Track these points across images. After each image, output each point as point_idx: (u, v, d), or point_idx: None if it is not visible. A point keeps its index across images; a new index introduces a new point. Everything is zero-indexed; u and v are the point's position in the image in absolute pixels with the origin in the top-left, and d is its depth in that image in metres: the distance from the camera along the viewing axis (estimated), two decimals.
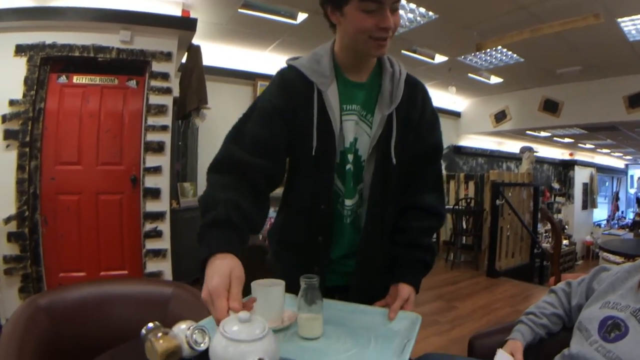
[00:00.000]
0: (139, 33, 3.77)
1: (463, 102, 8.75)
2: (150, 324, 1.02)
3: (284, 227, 1.35)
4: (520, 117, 7.89)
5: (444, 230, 7.81)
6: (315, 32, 4.76)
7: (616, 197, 15.96)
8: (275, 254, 1.40)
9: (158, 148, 3.76)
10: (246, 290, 1.28)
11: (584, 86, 6.75)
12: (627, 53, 5.27)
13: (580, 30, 4.22)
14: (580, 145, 12.02)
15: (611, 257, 5.83)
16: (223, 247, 0.92)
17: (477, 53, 5.57)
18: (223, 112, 5.18)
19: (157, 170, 3.76)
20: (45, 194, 3.62)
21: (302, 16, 4.52)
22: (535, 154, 8.25)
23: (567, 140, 10.92)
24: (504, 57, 5.85)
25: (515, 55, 5.70)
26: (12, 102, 3.44)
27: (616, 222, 14.22)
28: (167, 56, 3.84)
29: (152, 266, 3.77)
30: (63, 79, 3.70)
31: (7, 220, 3.40)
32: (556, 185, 11.85)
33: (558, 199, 11.40)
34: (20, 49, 3.48)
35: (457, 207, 6.94)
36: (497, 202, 6.15)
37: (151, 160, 3.76)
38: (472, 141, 9.36)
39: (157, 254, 3.78)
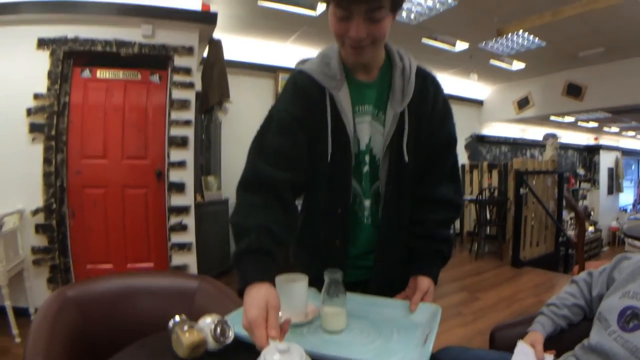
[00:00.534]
0: (160, 27, 3.80)
1: (485, 90, 8.62)
2: (177, 317, 1.07)
3: (302, 229, 1.35)
4: (543, 102, 7.73)
5: (467, 220, 7.76)
6: None
7: None
8: (294, 255, 1.41)
9: (182, 143, 3.80)
10: None
11: (608, 68, 6.58)
12: None
13: (601, 11, 4.12)
14: (605, 129, 11.74)
15: (637, 242, 5.73)
16: (258, 277, 0.97)
17: (498, 38, 5.48)
18: (245, 105, 5.24)
19: (181, 164, 3.81)
20: (72, 187, 3.70)
21: (321, 7, 4.51)
22: (559, 140, 8.11)
23: (591, 124, 10.68)
24: (526, 42, 5.73)
25: (536, 39, 5.59)
26: (36, 96, 3.50)
27: None
28: (189, 50, 3.86)
29: (177, 259, 3.83)
30: (87, 73, 3.75)
31: (35, 213, 3.50)
32: (581, 171, 11.63)
33: (583, 185, 11.20)
34: (42, 43, 3.53)
35: (480, 197, 6.86)
36: (521, 191, 6.07)
37: (175, 155, 3.80)
38: (495, 129, 9.22)
39: (183, 247, 3.83)
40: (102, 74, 3.80)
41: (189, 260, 3.87)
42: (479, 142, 8.84)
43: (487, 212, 6.97)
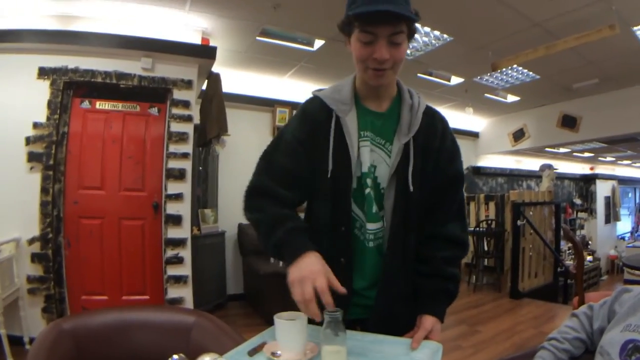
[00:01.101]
0: (160, 60, 3.86)
1: (481, 122, 8.72)
2: (175, 356, 1.04)
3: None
4: (538, 134, 7.80)
5: None
6: (332, 58, 4.85)
7: (639, 209, 15.60)
8: None
9: (179, 175, 3.82)
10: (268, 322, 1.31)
11: (602, 98, 6.65)
12: None
13: (595, 43, 4.17)
14: (600, 158, 11.83)
15: (637, 271, 5.71)
16: (314, 248, 1.13)
17: (493, 73, 5.55)
18: (243, 138, 5.28)
19: (178, 197, 3.81)
20: (69, 217, 3.68)
21: (319, 43, 4.60)
22: (555, 170, 8.15)
23: (586, 154, 10.76)
24: (520, 75, 5.84)
25: (530, 72, 5.68)
26: (35, 125, 3.52)
27: None
28: (188, 84, 3.92)
29: (173, 292, 3.80)
30: (86, 104, 3.79)
31: (31, 242, 3.48)
32: (578, 201, 11.66)
33: (580, 214, 11.23)
34: (43, 72, 3.57)
35: (478, 228, 6.85)
36: (519, 222, 6.08)
37: (173, 187, 3.81)
38: (491, 161, 9.29)
39: (179, 280, 3.80)
40: (101, 105, 3.84)
41: (185, 293, 3.83)
42: (475, 174, 8.88)
43: (485, 243, 6.95)
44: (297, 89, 5.85)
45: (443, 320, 1.28)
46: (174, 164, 3.82)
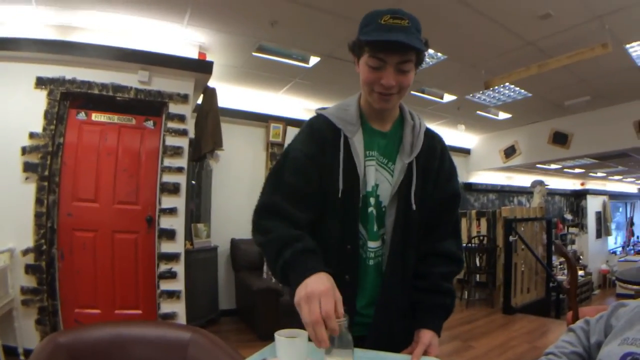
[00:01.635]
0: (156, 74, 3.88)
1: (472, 139, 8.79)
2: None
3: None
4: (529, 151, 7.87)
5: None
6: (327, 75, 4.90)
7: (631, 223, 15.71)
8: None
9: (174, 189, 3.82)
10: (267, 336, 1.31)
11: (593, 115, 6.72)
12: (637, 78, 5.22)
13: (588, 61, 4.22)
14: (591, 174, 11.93)
15: (629, 285, 5.73)
16: (324, 269, 1.05)
17: (485, 90, 5.61)
18: (236, 153, 5.30)
19: (172, 211, 3.81)
20: (62, 229, 3.66)
21: (314, 60, 4.64)
22: (546, 186, 8.22)
23: (577, 170, 10.86)
24: (512, 93, 5.90)
25: (522, 90, 5.75)
26: (32, 135, 3.51)
27: (632, 248, 13.94)
28: (184, 98, 3.94)
29: (166, 307, 3.77)
30: (82, 115, 3.78)
31: (25, 252, 3.45)
32: (569, 216, 11.74)
33: (571, 229, 11.27)
34: (40, 82, 3.57)
35: (470, 244, 6.89)
36: (511, 238, 6.11)
37: (167, 202, 3.80)
38: (482, 177, 9.36)
39: (172, 295, 3.78)
40: (97, 117, 3.84)
41: (178, 308, 3.80)
42: (466, 190, 8.93)
43: (477, 259, 6.97)
44: (292, 104, 5.89)
45: (440, 335, 1.30)
46: (168, 178, 3.82)
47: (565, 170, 10.53)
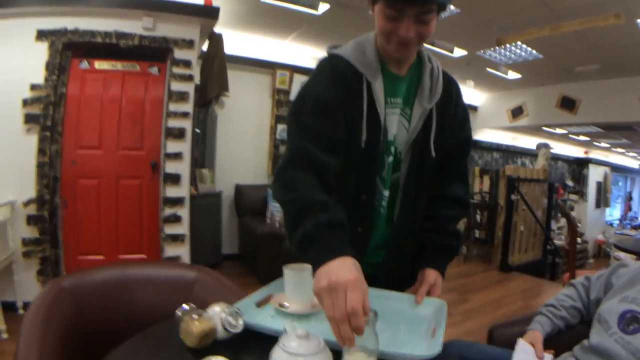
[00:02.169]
0: (161, 20, 3.78)
1: (480, 97, 8.69)
2: (185, 306, 1.04)
3: None
4: (537, 113, 7.82)
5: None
6: (336, 24, 4.79)
7: (629, 197, 15.81)
8: None
9: (179, 134, 3.80)
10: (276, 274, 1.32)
11: (602, 85, 6.68)
12: None
13: (600, 29, 4.20)
14: (595, 143, 11.89)
15: (622, 255, 5.79)
16: (349, 251, 0.91)
17: (497, 48, 5.53)
18: (242, 100, 5.25)
19: (177, 156, 3.81)
20: (66, 178, 3.66)
21: (323, 7, 4.53)
22: (550, 150, 8.20)
23: (582, 138, 10.81)
24: (523, 53, 5.80)
25: (534, 51, 5.65)
26: (33, 87, 3.46)
27: (629, 222, 14.08)
28: (190, 43, 3.86)
29: (170, 251, 3.82)
30: (85, 64, 3.72)
31: (27, 204, 3.45)
32: (570, 183, 11.74)
33: (571, 196, 11.30)
34: (41, 34, 3.49)
35: (471, 200, 6.94)
36: (512, 197, 6.15)
37: (172, 147, 3.79)
38: (488, 135, 9.30)
39: (176, 238, 3.82)
40: (100, 65, 3.77)
41: (182, 251, 3.86)
42: (472, 147, 8.85)
43: (478, 216, 7.05)
44: (299, 52, 5.79)
45: (444, 276, 1.32)
46: (173, 123, 3.79)
47: (571, 136, 10.48)
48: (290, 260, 1.29)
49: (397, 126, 1.25)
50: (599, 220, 11.95)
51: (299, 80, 5.33)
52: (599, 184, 11.96)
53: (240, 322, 1.01)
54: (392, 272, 1.31)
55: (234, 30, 5.10)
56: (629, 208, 15.38)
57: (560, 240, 8.41)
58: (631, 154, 14.34)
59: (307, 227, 0.94)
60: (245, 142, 5.34)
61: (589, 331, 1.35)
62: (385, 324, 1.05)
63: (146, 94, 3.87)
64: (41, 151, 3.50)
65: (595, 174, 11.80)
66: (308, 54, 5.87)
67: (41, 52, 3.49)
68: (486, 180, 7.49)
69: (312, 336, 0.85)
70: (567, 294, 1.56)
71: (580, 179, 11.90)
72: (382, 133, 1.22)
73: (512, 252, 6.33)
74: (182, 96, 3.81)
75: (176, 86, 3.81)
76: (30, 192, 3.47)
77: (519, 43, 5.27)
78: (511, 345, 1.42)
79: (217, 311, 1.02)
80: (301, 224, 0.96)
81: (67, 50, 3.63)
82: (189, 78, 3.85)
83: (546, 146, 7.94)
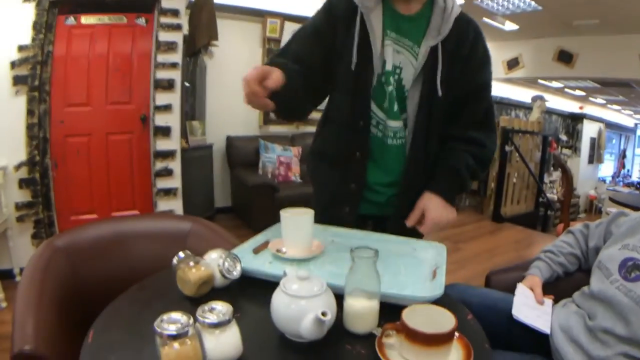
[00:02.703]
0: None
1: None
2: (181, 254, 1.02)
3: (325, 141, 1.42)
4: (533, 65, 7.76)
5: None
6: None
7: (623, 155, 15.93)
8: (313, 171, 1.49)
9: (168, 86, 3.71)
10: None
11: (600, 40, 6.65)
12: None
13: None
14: (591, 99, 11.86)
15: (615, 210, 5.85)
16: (277, 63, 1.16)
17: None
18: (231, 50, 5.10)
19: (167, 108, 3.73)
20: (55, 138, 3.57)
21: None
22: (546, 102, 8.17)
23: (578, 92, 10.76)
24: (522, 4, 5.65)
25: (533, 2, 5.51)
26: (21, 48, 3.32)
27: (621, 179, 14.27)
28: None
29: (163, 205, 3.81)
30: (71, 20, 3.58)
31: (18, 167, 3.37)
32: (564, 137, 11.75)
33: (565, 150, 11.35)
34: None
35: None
36: (507, 148, 6.16)
37: (161, 98, 3.71)
38: None
39: (168, 192, 3.80)
40: (87, 19, 3.63)
41: (175, 205, 3.85)
42: (489, 93, 8.80)
43: None
44: (291, 1, 5.58)
45: (450, 201, 1.30)
46: (162, 74, 3.69)
47: (567, 90, 10.45)
48: (313, 184, 1.43)
49: (404, 63, 1.27)
50: (591, 176, 12.08)
51: (290, 29, 5.15)
52: (592, 139, 12.01)
53: (238, 268, 1.01)
54: (401, 215, 1.31)
55: None
56: (622, 166, 15.54)
57: (551, 194, 8.49)
58: (626, 111, 14.37)
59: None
60: (236, 92, 5.07)
61: (588, 279, 1.34)
62: (385, 267, 1.05)
63: (133, 46, 3.75)
64: (30, 112, 3.39)
65: (589, 130, 11.83)
66: (299, 1, 5.66)
67: (29, 12, 3.33)
68: None
69: (314, 278, 0.84)
70: (566, 240, 1.55)
71: (574, 134, 11.91)
72: (379, 63, 1.27)
73: (505, 204, 6.40)
74: (170, 46, 3.70)
75: (164, 36, 3.69)
76: (21, 155, 3.38)
77: None
78: (509, 291, 1.42)
79: (214, 258, 1.01)
80: None
81: (54, 8, 3.47)
82: (177, 27, 3.73)
83: (541, 98, 7.89)
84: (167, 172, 3.78)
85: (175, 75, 3.75)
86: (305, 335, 0.77)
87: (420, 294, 0.95)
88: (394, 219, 1.33)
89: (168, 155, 3.78)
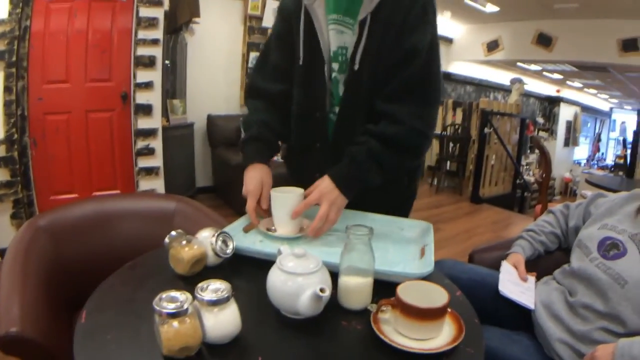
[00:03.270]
0: None
1: (456, 29, 8.59)
2: (174, 232, 1.00)
3: (291, 133, 1.40)
4: (512, 48, 7.85)
5: (429, 155, 7.93)
6: None
7: (598, 139, 16.27)
8: (285, 159, 1.51)
9: (149, 63, 3.64)
10: None
11: (580, 24, 6.75)
12: None
13: None
14: (568, 82, 12.03)
15: (589, 193, 6.00)
16: (257, 159, 1.29)
17: None
18: (212, 27, 5.01)
19: (148, 85, 3.67)
20: (33, 115, 3.47)
21: None
22: (524, 86, 8.27)
23: (556, 76, 10.91)
24: None
25: None
26: None
27: (596, 162, 14.58)
28: None
29: (144, 184, 3.77)
30: None
31: None
32: (540, 120, 11.94)
33: (541, 133, 11.54)
34: None
35: (444, 133, 7.06)
36: (486, 130, 6.24)
37: (142, 76, 3.65)
38: (461, 68, 9.27)
39: (150, 171, 3.77)
40: None
41: (157, 184, 3.82)
42: (445, 79, 8.84)
43: (450, 148, 7.18)
44: None
45: (343, 191, 1.14)
46: (143, 51, 3.63)
47: (545, 73, 10.57)
48: (289, 173, 1.46)
49: (348, 43, 1.24)
50: (567, 158, 12.32)
51: (272, 6, 5.06)
52: (568, 123, 12.22)
53: (231, 246, 1.01)
54: None
55: None
56: (597, 149, 15.87)
57: (528, 176, 8.66)
58: (603, 95, 14.63)
59: (241, 140, 1.34)
60: (217, 71, 5.13)
61: (568, 257, 1.39)
62: (374, 245, 1.05)
63: (113, 22, 3.63)
64: (7, 89, 3.28)
65: (565, 113, 12.03)
66: None
67: None
68: (459, 113, 7.59)
69: (310, 255, 0.85)
70: (547, 220, 1.60)
71: (551, 117, 12.11)
72: (325, 51, 1.26)
73: (483, 185, 6.51)
74: (151, 22, 3.63)
75: (145, 12, 3.62)
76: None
77: None
78: (492, 268, 1.47)
79: (206, 236, 1.01)
80: (242, 138, 1.34)
81: None
82: (158, 3, 3.65)
83: (520, 81, 7.99)
84: (149, 151, 3.74)
85: (157, 52, 3.68)
86: (302, 312, 0.78)
87: (411, 271, 0.97)
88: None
89: (149, 133, 3.73)
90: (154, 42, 3.66)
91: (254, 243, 1.12)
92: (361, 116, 1.24)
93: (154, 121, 3.75)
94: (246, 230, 1.19)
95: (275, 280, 0.82)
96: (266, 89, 1.37)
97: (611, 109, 17.40)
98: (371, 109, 1.22)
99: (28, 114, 3.44)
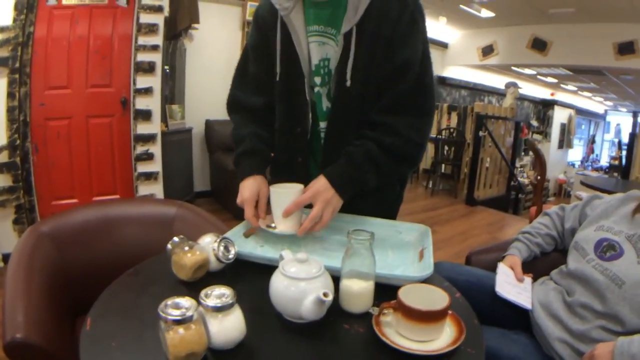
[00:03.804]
0: None
1: (452, 34, 8.64)
2: (176, 238, 1.01)
3: (274, 147, 1.37)
4: (507, 52, 7.89)
5: (424, 158, 7.96)
6: None
7: (592, 140, 16.34)
8: (271, 171, 1.45)
9: (149, 68, 3.66)
10: None
11: (575, 28, 6.77)
12: (622, 1, 5.20)
13: None
14: (562, 85, 12.08)
15: (584, 194, 6.03)
16: (252, 172, 1.23)
17: None
18: (211, 33, 5.04)
19: (147, 91, 3.69)
20: (35, 121, 3.49)
21: None
22: (519, 89, 8.32)
23: (550, 79, 10.96)
24: None
25: None
26: (1, 29, 3.22)
27: (590, 164, 14.64)
28: None
29: (144, 189, 3.79)
30: (52, 0, 3.47)
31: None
32: (535, 123, 12.00)
33: (535, 136, 11.59)
34: None
35: (439, 136, 7.11)
36: (480, 133, 6.28)
37: (142, 81, 3.67)
38: (456, 73, 9.33)
39: (149, 176, 3.78)
40: (67, 0, 3.52)
41: (156, 189, 3.83)
42: (440, 83, 8.94)
43: (445, 151, 7.23)
44: None
45: (338, 190, 1.11)
46: (143, 56, 3.65)
47: (539, 77, 10.61)
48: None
49: (331, 54, 1.19)
50: (561, 160, 12.38)
51: None
52: (563, 125, 12.29)
53: (233, 252, 1.01)
54: None
55: None
56: (591, 151, 15.94)
57: (522, 178, 8.71)
58: (597, 98, 14.69)
59: (235, 155, 1.30)
60: (215, 76, 5.10)
61: (564, 258, 1.42)
62: (373, 249, 1.07)
63: (114, 27, 3.66)
64: (10, 95, 3.30)
65: (560, 116, 12.10)
66: None
67: None
68: (454, 116, 7.65)
69: (312, 260, 0.86)
70: (543, 222, 1.62)
71: (545, 120, 12.17)
72: (304, 64, 1.20)
73: (478, 187, 6.56)
74: (151, 28, 3.65)
75: (145, 18, 3.64)
76: (1, 139, 3.29)
77: None
78: (488, 270, 1.49)
79: (208, 242, 1.02)
80: (235, 154, 1.30)
81: None
82: (159, 9, 3.68)
83: (515, 85, 8.05)
84: (148, 156, 3.75)
85: (156, 57, 3.71)
86: (306, 316, 0.79)
87: (411, 274, 0.99)
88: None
89: (149, 139, 3.74)
90: (154, 48, 3.68)
91: (255, 248, 1.14)
92: (350, 130, 1.20)
93: (153, 126, 3.77)
94: (246, 235, 1.19)
95: (279, 285, 0.83)
96: (249, 102, 1.33)
97: (606, 111, 17.48)
98: (361, 121, 1.19)
99: (30, 120, 3.46)
